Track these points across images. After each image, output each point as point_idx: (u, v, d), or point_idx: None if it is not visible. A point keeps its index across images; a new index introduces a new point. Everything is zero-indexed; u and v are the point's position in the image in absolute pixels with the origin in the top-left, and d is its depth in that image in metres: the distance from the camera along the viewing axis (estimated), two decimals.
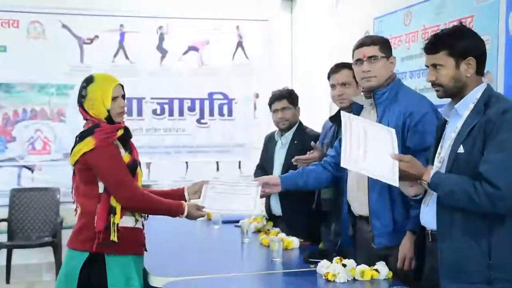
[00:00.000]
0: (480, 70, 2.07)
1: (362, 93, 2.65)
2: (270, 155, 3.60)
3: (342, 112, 2.34)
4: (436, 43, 2.07)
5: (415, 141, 2.39)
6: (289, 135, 3.52)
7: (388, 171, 2.06)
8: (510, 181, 1.88)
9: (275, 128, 3.66)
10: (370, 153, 2.11)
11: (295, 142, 3.45)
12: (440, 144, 2.13)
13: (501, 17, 3.01)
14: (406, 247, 2.34)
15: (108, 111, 2.34)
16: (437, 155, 2.12)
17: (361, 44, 2.57)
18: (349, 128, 2.19)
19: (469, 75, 2.04)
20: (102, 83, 2.36)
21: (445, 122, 2.15)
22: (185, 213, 2.47)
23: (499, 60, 3.00)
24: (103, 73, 2.49)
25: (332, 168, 2.81)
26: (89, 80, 2.37)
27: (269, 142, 3.69)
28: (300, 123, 3.56)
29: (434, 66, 2.07)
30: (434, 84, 2.09)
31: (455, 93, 2.06)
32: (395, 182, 2.04)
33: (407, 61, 3.86)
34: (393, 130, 2.24)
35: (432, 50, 2.07)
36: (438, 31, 2.14)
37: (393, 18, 4.08)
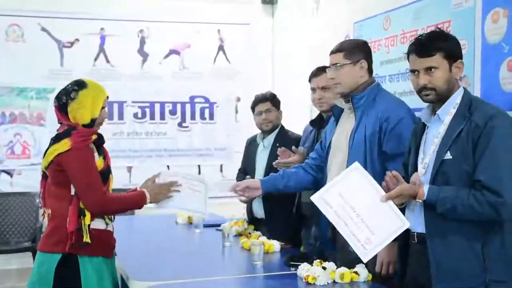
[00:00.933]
0: None
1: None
2: (252, 158, 3.61)
3: (312, 198, 2.15)
4: (432, 46, 2.02)
5: (392, 146, 2.42)
6: (271, 138, 3.54)
7: (395, 221, 2.01)
8: None
9: (257, 132, 3.67)
10: (369, 220, 2.03)
11: (277, 144, 3.46)
12: (421, 149, 2.11)
13: (477, 21, 3.06)
14: (384, 251, 2.31)
15: (92, 119, 2.37)
16: (420, 160, 2.10)
17: (331, 51, 2.61)
18: (329, 208, 2.08)
19: (458, 77, 2.06)
20: (95, 91, 2.40)
21: (424, 126, 2.14)
22: (148, 199, 2.49)
23: (476, 64, 3.05)
24: (93, 81, 2.48)
25: (313, 171, 2.82)
26: (81, 85, 2.39)
27: (251, 145, 3.70)
28: (282, 127, 3.59)
29: (427, 69, 2.02)
30: (425, 88, 2.04)
31: (445, 96, 2.04)
32: (405, 224, 2.02)
33: (386, 65, 3.90)
34: (356, 164, 2.14)
35: (427, 53, 2.02)
36: (421, 34, 2.13)
37: (373, 22, 4.12)
